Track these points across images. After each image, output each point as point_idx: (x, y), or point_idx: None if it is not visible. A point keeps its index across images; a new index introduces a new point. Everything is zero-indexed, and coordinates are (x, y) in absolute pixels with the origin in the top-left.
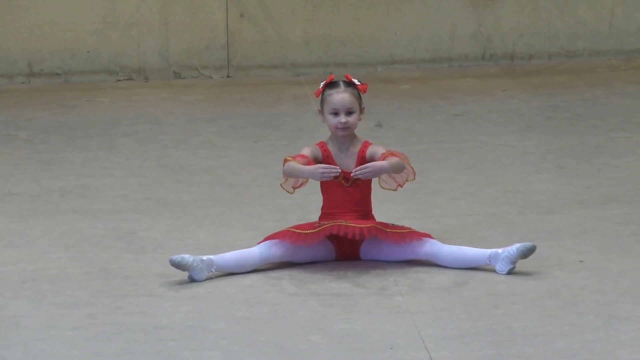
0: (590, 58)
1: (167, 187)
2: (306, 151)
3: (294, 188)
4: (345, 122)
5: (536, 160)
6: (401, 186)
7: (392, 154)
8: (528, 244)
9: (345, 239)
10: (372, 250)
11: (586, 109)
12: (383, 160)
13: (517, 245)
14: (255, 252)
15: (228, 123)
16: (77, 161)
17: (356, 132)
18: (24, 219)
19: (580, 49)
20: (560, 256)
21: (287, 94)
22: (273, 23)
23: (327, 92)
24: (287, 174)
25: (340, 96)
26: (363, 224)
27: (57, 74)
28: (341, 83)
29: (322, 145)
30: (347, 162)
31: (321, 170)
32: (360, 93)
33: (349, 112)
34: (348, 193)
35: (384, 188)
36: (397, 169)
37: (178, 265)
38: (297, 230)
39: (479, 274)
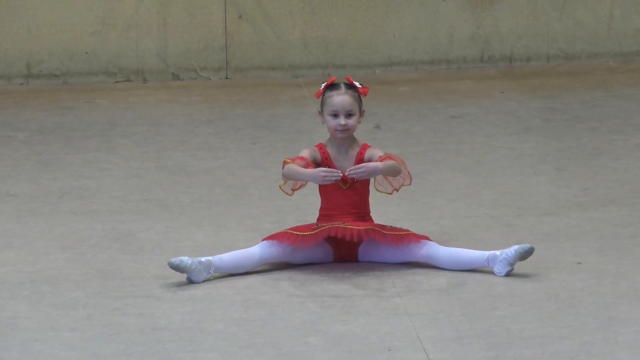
0: (589, 60)
1: (165, 189)
2: (305, 153)
3: (293, 190)
4: (345, 125)
5: (534, 162)
6: (397, 190)
7: (390, 157)
8: (526, 246)
9: (343, 240)
10: (370, 252)
11: (584, 111)
12: (380, 161)
13: (515, 247)
14: (253, 252)
15: (226, 124)
16: (75, 162)
17: (355, 134)
18: (22, 219)
19: (579, 51)
20: (558, 258)
21: (286, 96)
22: (271, 24)
23: (328, 93)
24: (287, 177)
25: (341, 98)
26: (361, 226)
27: (56, 75)
28: (342, 85)
29: (321, 147)
30: (346, 164)
31: (322, 173)
32: (361, 96)
33: (348, 115)
34: (346, 195)
35: (379, 191)
36: (393, 172)
37: (177, 268)
38: (296, 232)
39: (477, 276)
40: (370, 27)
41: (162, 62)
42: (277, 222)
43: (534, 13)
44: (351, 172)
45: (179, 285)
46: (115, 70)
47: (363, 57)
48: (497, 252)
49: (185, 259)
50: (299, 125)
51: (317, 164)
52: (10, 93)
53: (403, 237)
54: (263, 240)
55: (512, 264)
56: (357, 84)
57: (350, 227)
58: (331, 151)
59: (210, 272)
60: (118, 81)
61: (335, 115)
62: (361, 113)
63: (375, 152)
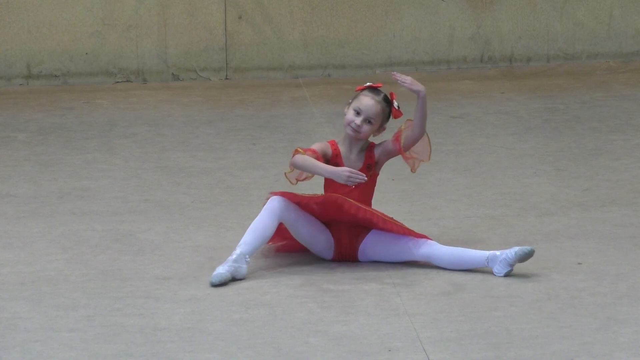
0: (589, 60)
1: (165, 189)
2: (317, 146)
3: (297, 180)
4: (359, 126)
5: (534, 163)
6: (413, 171)
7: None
8: (527, 248)
9: (345, 238)
10: (369, 251)
11: (584, 112)
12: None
13: (516, 248)
14: (267, 222)
15: (226, 125)
16: (75, 163)
17: None
18: (22, 220)
19: (579, 52)
20: (558, 258)
21: (286, 96)
22: (271, 25)
23: (365, 92)
24: (300, 167)
25: (372, 103)
26: (364, 207)
27: (56, 76)
28: (381, 94)
29: (333, 144)
30: (355, 163)
31: (348, 174)
32: (391, 115)
33: (368, 121)
34: (351, 192)
35: (407, 158)
36: (426, 115)
37: (221, 284)
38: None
39: (478, 276)
40: (370, 28)
41: (162, 62)
42: None
43: (534, 13)
44: (396, 75)
45: (179, 285)
46: (115, 70)
47: (363, 58)
48: (497, 253)
49: (223, 272)
50: (299, 125)
51: (326, 159)
52: (10, 93)
53: (404, 228)
54: (270, 196)
55: (511, 265)
56: (395, 104)
57: (353, 201)
58: (342, 149)
59: (246, 260)
60: (118, 82)
61: (358, 113)
62: (380, 129)
63: (383, 143)
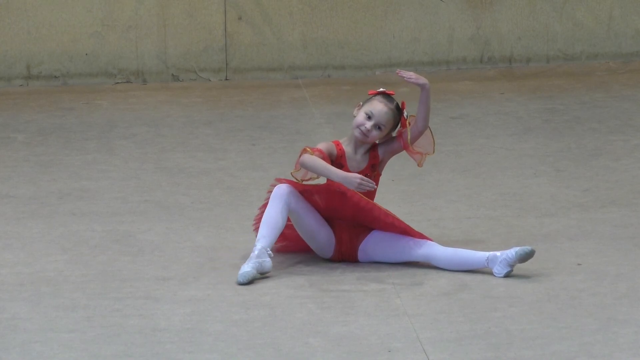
0: (589, 61)
1: (164, 190)
2: (322, 146)
3: (303, 180)
4: (369, 130)
5: (534, 163)
6: (420, 165)
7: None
8: (527, 248)
9: (345, 237)
10: (369, 251)
11: (584, 112)
12: (400, 134)
13: (516, 249)
14: (278, 210)
15: (226, 126)
16: (74, 164)
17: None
18: (22, 221)
19: (578, 52)
20: (558, 259)
21: (285, 97)
22: (271, 26)
23: (379, 97)
24: (309, 168)
25: (385, 109)
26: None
27: (55, 77)
28: (394, 102)
29: (338, 144)
30: (360, 165)
31: (359, 180)
32: (399, 124)
33: (378, 126)
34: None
35: (412, 153)
36: (429, 108)
37: (248, 283)
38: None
39: (477, 277)
40: (370, 28)
41: (162, 63)
42: None
43: (533, 14)
44: (402, 72)
45: (179, 286)
46: (115, 71)
47: (363, 58)
48: (498, 253)
49: (249, 270)
50: (298, 126)
51: (332, 159)
52: (10, 94)
53: (404, 224)
54: (275, 183)
55: (511, 265)
56: (405, 113)
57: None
58: (347, 149)
59: (268, 253)
60: (118, 82)
61: (369, 117)
62: (387, 135)
63: (388, 143)
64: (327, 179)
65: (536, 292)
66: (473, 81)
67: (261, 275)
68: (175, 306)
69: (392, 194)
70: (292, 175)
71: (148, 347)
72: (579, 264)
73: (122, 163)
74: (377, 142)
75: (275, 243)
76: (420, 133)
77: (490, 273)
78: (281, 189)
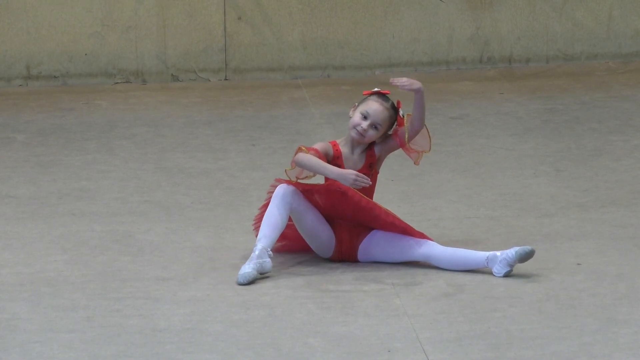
0: (588, 61)
1: (164, 190)
2: (319, 146)
3: (298, 178)
4: (365, 130)
5: (534, 163)
6: (417, 163)
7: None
8: (527, 248)
9: (346, 237)
10: (369, 251)
11: (584, 112)
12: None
13: (516, 248)
14: (279, 211)
15: (226, 126)
16: (74, 164)
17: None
18: (22, 221)
19: (578, 52)
20: (558, 259)
21: (285, 97)
22: (271, 26)
23: (374, 97)
24: (304, 165)
25: (380, 109)
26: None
27: (55, 77)
28: (390, 102)
29: (335, 145)
30: (357, 165)
31: (354, 177)
32: (395, 123)
33: (374, 126)
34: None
35: (408, 151)
36: (425, 109)
37: (249, 283)
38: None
39: (477, 277)
40: (369, 28)
41: (162, 63)
42: None
43: (533, 14)
44: (395, 80)
45: (179, 286)
46: (115, 71)
47: (362, 58)
48: (497, 253)
49: (249, 271)
50: (298, 126)
51: (328, 159)
52: (10, 94)
53: (404, 223)
54: (275, 183)
55: (511, 265)
56: (401, 112)
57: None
58: (344, 149)
59: (269, 253)
60: (117, 82)
61: (365, 117)
62: (384, 134)
63: (386, 141)
64: (326, 179)
65: (536, 292)
66: (473, 81)
67: (261, 275)
68: (175, 306)
69: (391, 194)
70: (287, 174)
71: (148, 348)
72: (578, 264)
73: (122, 163)
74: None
75: (276, 242)
76: (417, 132)
77: (490, 273)
78: (283, 189)
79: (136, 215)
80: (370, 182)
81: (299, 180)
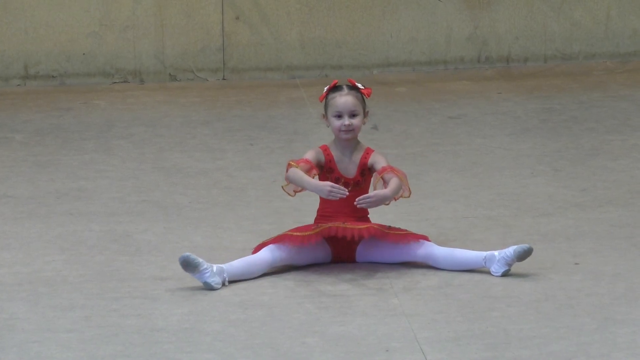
0: (586, 61)
1: (162, 190)
2: (309, 155)
3: (295, 192)
4: (349, 125)
5: (532, 163)
6: (395, 200)
7: (392, 170)
8: (525, 246)
9: (342, 240)
10: (367, 252)
11: (582, 112)
12: (382, 173)
13: (514, 247)
14: (263, 258)
15: (224, 125)
16: (72, 164)
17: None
18: (20, 221)
19: (576, 52)
20: (555, 259)
21: (283, 97)
22: (269, 25)
23: (331, 95)
24: (291, 181)
25: (344, 99)
26: (361, 225)
27: (53, 77)
28: (344, 87)
29: (326, 149)
30: (350, 168)
31: (329, 189)
32: (364, 97)
33: (352, 115)
34: (346, 198)
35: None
36: (397, 192)
37: (186, 263)
38: (296, 233)
39: (475, 277)
40: (367, 28)
41: (160, 63)
42: (274, 224)
43: (531, 14)
44: (360, 202)
45: (177, 286)
46: (113, 71)
47: (360, 58)
48: (495, 253)
49: (196, 257)
50: (296, 126)
51: (320, 166)
52: (7, 94)
53: (404, 235)
54: (262, 243)
55: (509, 264)
56: (359, 85)
57: (350, 227)
58: (335, 153)
59: (224, 277)
60: (115, 82)
61: (339, 116)
62: (365, 114)
63: (378, 159)
64: (320, 199)
65: (534, 291)
66: (470, 81)
67: (193, 272)
68: (173, 306)
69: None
70: (284, 190)
71: (146, 347)
72: (576, 264)
73: (120, 163)
74: (370, 147)
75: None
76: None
77: (488, 273)
78: (276, 255)
79: (134, 215)
80: (347, 193)
81: (296, 194)
